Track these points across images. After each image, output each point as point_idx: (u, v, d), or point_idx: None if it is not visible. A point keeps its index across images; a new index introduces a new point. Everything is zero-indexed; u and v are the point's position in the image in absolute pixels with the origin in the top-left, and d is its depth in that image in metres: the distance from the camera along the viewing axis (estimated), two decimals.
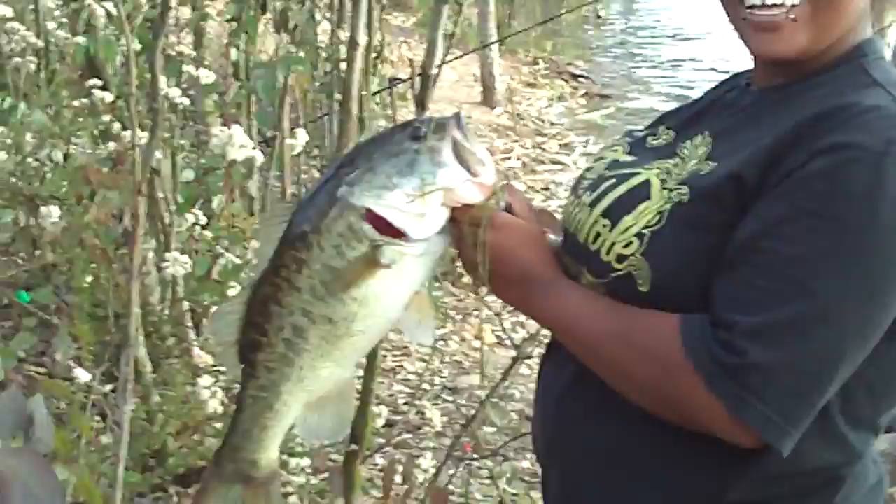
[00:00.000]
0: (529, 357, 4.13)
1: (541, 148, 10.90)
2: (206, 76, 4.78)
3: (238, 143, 4.17)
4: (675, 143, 1.92)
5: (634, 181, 1.84)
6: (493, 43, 11.63)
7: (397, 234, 1.72)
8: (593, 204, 1.87)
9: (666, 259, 1.72)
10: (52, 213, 3.97)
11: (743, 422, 1.61)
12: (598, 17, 19.03)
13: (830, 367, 1.63)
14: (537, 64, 14.89)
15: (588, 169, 2.03)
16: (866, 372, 1.69)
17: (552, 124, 11.95)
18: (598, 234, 1.81)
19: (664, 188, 1.78)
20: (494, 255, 1.79)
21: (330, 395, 1.83)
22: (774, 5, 1.78)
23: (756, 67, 1.94)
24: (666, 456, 1.78)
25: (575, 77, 14.54)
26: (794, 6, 1.77)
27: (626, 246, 1.76)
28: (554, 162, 10.54)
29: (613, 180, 1.88)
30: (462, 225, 1.77)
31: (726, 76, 2.11)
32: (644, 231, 1.75)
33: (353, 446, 3.44)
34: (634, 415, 1.75)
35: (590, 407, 1.87)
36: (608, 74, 14.95)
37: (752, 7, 1.80)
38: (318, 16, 6.47)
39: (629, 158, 1.96)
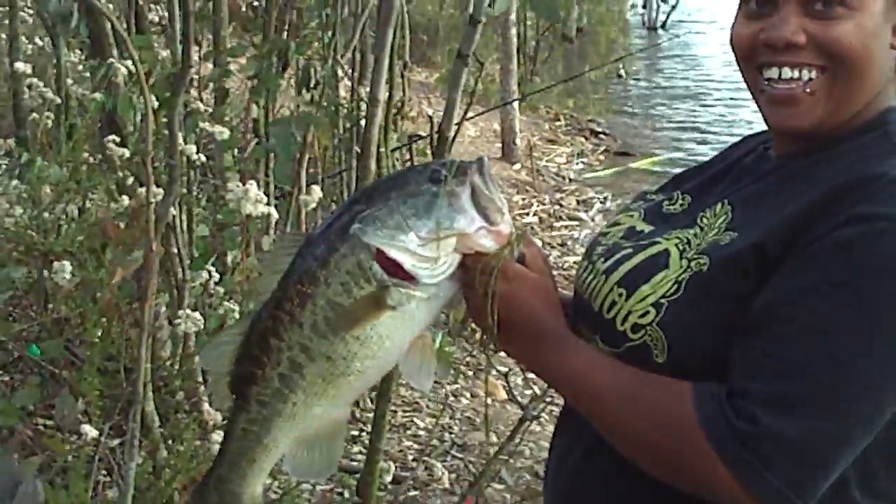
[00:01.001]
0: (537, 418, 4.16)
1: (559, 204, 10.91)
2: (222, 132, 4.81)
3: (253, 199, 4.21)
4: (693, 211, 1.90)
5: (652, 250, 1.83)
6: (513, 101, 11.66)
7: (407, 276, 1.72)
8: (608, 272, 1.85)
9: (683, 329, 1.71)
10: (65, 268, 4.00)
11: (751, 491, 1.58)
12: (619, 76, 19.03)
13: (844, 441, 1.60)
14: (559, 120, 14.90)
15: (603, 234, 2.01)
16: (885, 444, 1.66)
17: (571, 181, 11.96)
18: (614, 303, 1.80)
19: (683, 257, 1.77)
20: (503, 306, 1.76)
21: (321, 434, 1.82)
22: (792, 79, 1.78)
23: (775, 134, 1.93)
24: None
25: (595, 134, 14.54)
26: (810, 80, 1.77)
27: (643, 316, 1.75)
28: (571, 218, 10.54)
29: (630, 249, 1.87)
30: (473, 272, 1.75)
31: (740, 138, 2.10)
32: (662, 301, 1.74)
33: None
34: (652, 488, 1.72)
35: (606, 479, 1.85)
36: (629, 132, 14.97)
37: (769, 80, 1.80)
38: (339, 72, 6.51)
39: (647, 227, 1.95)
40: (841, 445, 1.60)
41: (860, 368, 1.58)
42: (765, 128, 1.96)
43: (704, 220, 1.84)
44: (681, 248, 1.79)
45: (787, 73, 1.78)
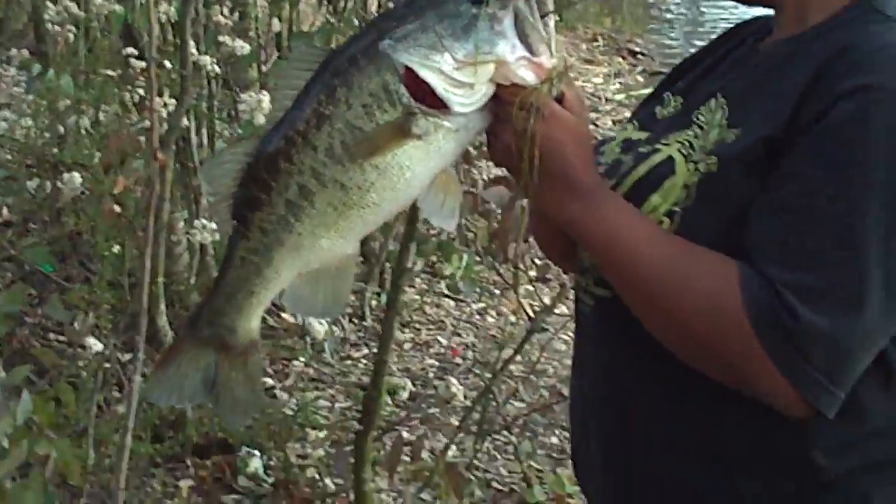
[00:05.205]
0: (544, 330, 4.07)
1: (594, 124, 10.76)
2: (242, 47, 4.71)
3: (266, 109, 4.12)
4: (687, 111, 1.81)
5: (655, 159, 1.73)
6: (547, 14, 11.46)
7: (435, 104, 1.59)
8: (613, 188, 1.75)
9: (701, 234, 1.62)
10: (74, 179, 3.93)
11: (792, 381, 1.53)
12: None
13: (880, 327, 1.55)
14: (596, 41, 14.69)
15: (599, 152, 1.88)
16: None
17: (607, 100, 11.81)
18: None
19: (689, 161, 1.68)
20: (538, 148, 1.61)
21: (327, 269, 1.69)
22: None
23: (766, 22, 1.86)
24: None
25: (633, 54, 14.33)
26: None
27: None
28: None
29: (631, 162, 1.78)
30: (507, 107, 1.60)
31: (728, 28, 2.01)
32: (674, 209, 1.66)
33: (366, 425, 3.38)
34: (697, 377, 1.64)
35: (643, 378, 1.75)
36: (668, 52, 14.77)
37: None
38: None
39: (642, 135, 1.85)
40: (873, 334, 1.55)
41: (887, 251, 1.52)
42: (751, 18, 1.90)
43: (701, 117, 1.74)
44: (684, 152, 1.70)
45: None
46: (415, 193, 1.65)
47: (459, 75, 1.58)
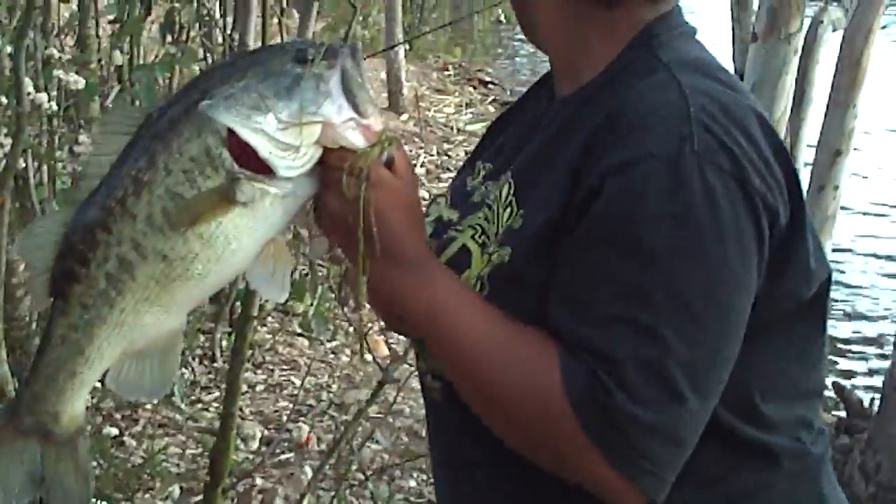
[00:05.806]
0: (396, 381, 3.97)
1: (447, 155, 10.76)
2: (76, 81, 4.55)
3: None
4: (496, 177, 1.75)
5: (453, 248, 1.68)
6: (396, 45, 11.43)
7: (260, 168, 1.50)
8: None
9: None
10: None
11: (614, 466, 1.48)
12: (500, 21, 18.80)
13: (702, 407, 1.51)
14: (447, 70, 14.77)
15: None
16: (749, 380, 1.58)
17: (459, 131, 11.81)
18: None
19: (484, 253, 1.63)
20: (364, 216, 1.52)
21: (154, 346, 1.59)
22: None
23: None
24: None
25: (484, 84, 14.43)
26: None
27: None
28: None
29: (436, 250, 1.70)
30: (333, 172, 1.51)
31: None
32: None
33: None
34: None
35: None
36: (518, 81, 14.86)
37: None
38: (217, 15, 6.28)
39: (453, 214, 1.78)
40: (697, 417, 1.52)
41: (685, 325, 1.49)
42: None
43: (491, 198, 1.70)
44: (479, 240, 1.66)
45: None
46: (243, 264, 1.57)
47: (284, 137, 1.50)
